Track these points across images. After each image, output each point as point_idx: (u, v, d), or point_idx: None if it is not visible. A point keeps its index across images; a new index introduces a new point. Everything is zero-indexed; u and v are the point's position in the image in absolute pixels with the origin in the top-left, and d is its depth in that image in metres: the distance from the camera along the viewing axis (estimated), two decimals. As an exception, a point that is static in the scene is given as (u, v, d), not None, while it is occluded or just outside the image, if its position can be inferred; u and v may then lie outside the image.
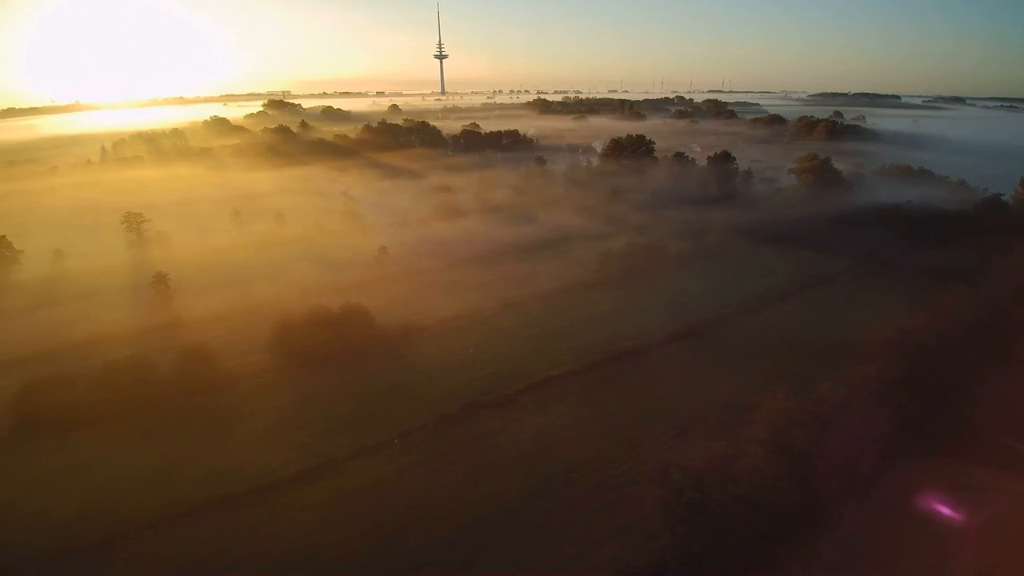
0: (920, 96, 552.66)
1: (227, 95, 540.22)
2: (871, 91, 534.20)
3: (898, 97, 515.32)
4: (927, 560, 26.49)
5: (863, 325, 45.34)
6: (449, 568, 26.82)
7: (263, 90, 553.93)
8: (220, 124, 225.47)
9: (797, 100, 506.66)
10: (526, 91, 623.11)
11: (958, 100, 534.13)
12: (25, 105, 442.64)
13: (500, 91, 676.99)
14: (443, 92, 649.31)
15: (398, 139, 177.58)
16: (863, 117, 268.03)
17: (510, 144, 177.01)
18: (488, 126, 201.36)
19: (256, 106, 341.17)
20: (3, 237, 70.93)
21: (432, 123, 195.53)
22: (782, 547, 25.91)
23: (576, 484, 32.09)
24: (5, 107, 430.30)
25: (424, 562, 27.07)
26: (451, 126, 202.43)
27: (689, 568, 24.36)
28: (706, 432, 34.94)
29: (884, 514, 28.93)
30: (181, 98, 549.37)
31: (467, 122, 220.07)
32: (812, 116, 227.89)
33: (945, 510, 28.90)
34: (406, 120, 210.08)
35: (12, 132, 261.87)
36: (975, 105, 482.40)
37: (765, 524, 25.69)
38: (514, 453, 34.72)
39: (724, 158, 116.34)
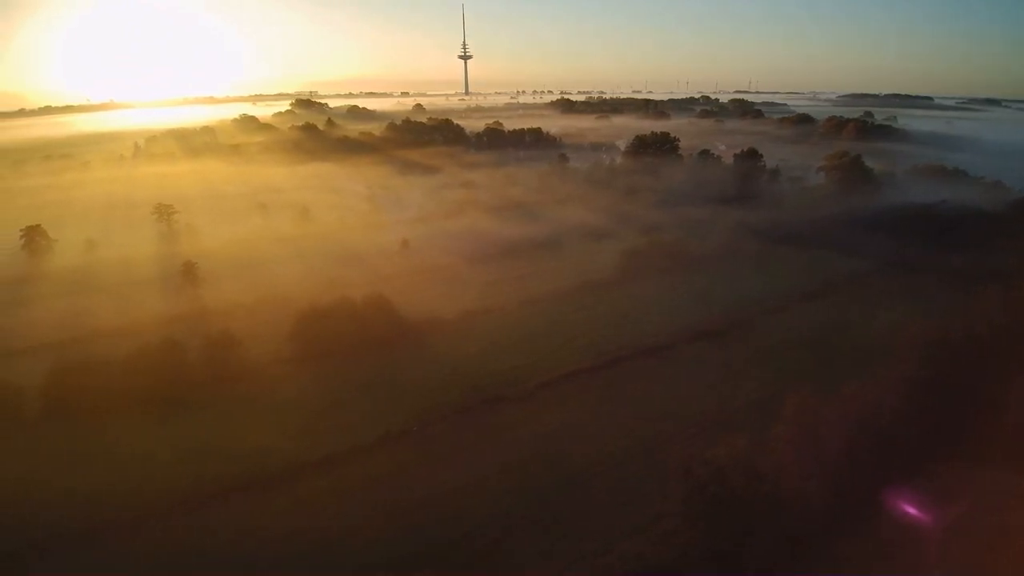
0: (953, 97, 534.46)
1: (256, 95, 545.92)
2: (902, 92, 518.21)
3: (930, 98, 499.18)
4: (954, 567, 25.79)
5: (892, 326, 44.24)
6: (470, 561, 26.94)
7: (291, 90, 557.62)
8: (249, 122, 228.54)
9: (826, 100, 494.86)
10: (549, 91, 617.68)
11: (993, 102, 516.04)
12: (61, 103, 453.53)
13: (523, 91, 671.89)
14: (467, 92, 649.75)
15: (422, 137, 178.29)
16: (894, 117, 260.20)
17: (532, 142, 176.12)
18: (511, 125, 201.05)
19: (284, 105, 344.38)
20: (38, 226, 73.32)
21: (456, 122, 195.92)
22: (807, 547, 25.47)
23: (596, 479, 32.00)
24: (41, 105, 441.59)
25: (445, 552, 27.28)
26: (474, 125, 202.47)
27: (711, 565, 24.09)
28: (729, 430, 34.26)
29: (912, 518, 28.21)
30: (212, 97, 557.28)
31: (490, 121, 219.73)
32: (841, 116, 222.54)
33: (973, 516, 28.08)
34: (430, 119, 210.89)
35: (48, 129, 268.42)
36: (1010, 107, 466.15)
37: (789, 524, 25.29)
38: (533, 447, 34.69)
39: (750, 156, 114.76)
